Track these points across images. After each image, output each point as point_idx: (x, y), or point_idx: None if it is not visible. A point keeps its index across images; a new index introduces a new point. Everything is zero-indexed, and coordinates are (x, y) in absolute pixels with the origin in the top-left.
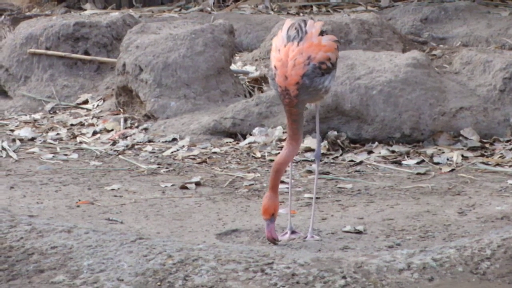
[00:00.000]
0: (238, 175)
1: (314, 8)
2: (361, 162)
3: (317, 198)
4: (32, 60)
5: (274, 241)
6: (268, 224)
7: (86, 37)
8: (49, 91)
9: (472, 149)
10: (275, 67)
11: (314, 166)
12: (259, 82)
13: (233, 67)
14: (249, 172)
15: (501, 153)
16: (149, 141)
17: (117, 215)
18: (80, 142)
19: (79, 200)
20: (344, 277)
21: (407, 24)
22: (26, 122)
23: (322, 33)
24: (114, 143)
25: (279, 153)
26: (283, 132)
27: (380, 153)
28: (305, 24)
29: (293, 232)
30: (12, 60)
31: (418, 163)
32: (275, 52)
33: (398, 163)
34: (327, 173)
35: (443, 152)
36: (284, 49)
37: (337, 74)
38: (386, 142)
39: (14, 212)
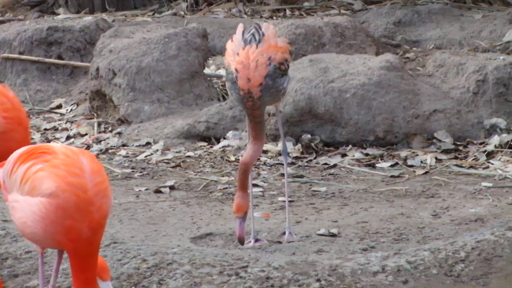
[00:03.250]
0: (212, 178)
1: (287, 12)
2: (335, 165)
3: (291, 201)
4: (5, 65)
5: (243, 241)
6: (240, 222)
7: (59, 41)
8: (22, 96)
9: (446, 151)
10: (236, 70)
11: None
12: None
13: (206, 71)
14: (223, 176)
15: (475, 156)
16: (123, 145)
17: None
18: None
19: None
20: (318, 280)
21: (380, 27)
22: None
23: None
24: (88, 147)
25: None
26: None
27: (354, 156)
28: (260, 27)
29: (256, 240)
30: None
31: (392, 165)
32: (233, 56)
33: (372, 166)
34: (301, 176)
35: (417, 155)
36: (243, 52)
37: (311, 77)
38: (360, 145)
39: None
